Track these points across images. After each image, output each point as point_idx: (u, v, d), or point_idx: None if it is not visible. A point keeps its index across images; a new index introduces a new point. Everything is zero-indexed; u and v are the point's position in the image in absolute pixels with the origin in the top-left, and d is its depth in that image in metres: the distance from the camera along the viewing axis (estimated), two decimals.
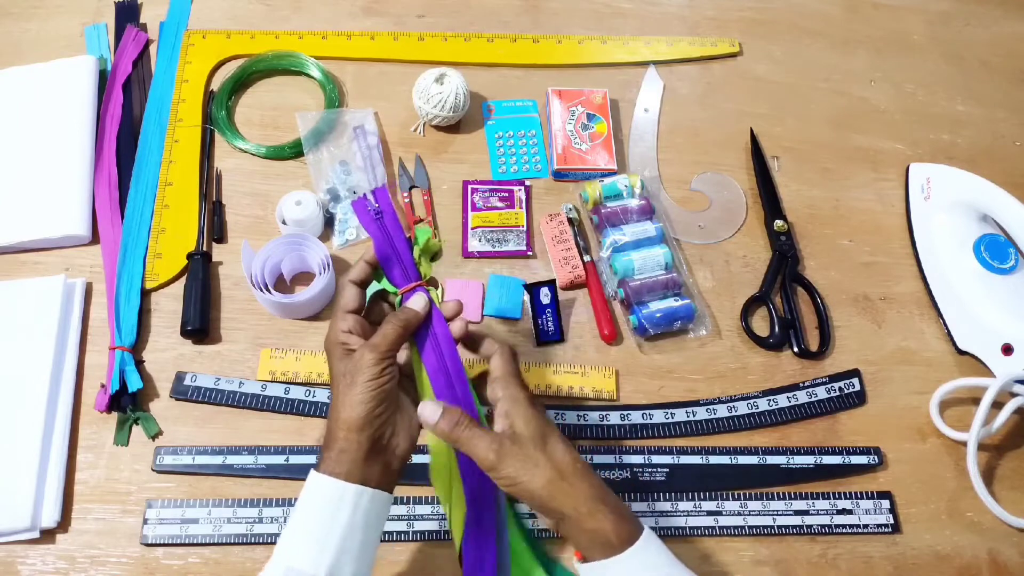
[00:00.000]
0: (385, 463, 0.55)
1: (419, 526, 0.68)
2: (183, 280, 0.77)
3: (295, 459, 0.70)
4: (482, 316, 0.78)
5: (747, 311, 0.80)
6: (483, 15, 0.97)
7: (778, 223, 0.85)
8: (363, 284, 0.61)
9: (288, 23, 0.94)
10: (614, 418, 0.74)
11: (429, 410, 0.56)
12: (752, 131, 0.91)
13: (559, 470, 0.54)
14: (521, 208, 0.84)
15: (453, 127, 0.88)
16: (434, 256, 0.61)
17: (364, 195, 0.63)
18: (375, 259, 0.62)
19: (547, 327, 0.78)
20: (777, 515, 0.71)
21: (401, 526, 0.68)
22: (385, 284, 0.62)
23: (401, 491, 0.69)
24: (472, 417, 0.56)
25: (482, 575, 0.57)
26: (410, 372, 0.61)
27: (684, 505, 0.71)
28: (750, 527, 0.70)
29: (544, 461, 0.54)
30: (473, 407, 0.59)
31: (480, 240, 0.82)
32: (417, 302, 0.59)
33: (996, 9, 1.06)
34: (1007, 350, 0.78)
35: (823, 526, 0.71)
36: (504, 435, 0.55)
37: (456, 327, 0.61)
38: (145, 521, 0.66)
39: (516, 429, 0.55)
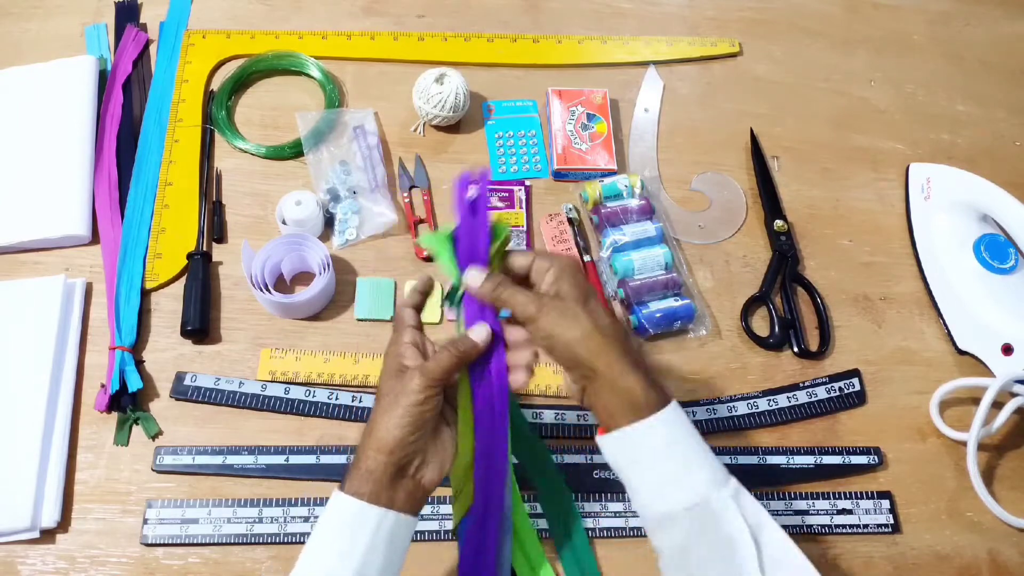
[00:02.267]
0: (411, 488, 0.54)
1: (420, 526, 0.68)
2: (183, 280, 0.77)
3: (295, 459, 0.70)
4: None
5: (747, 311, 0.80)
6: (483, 15, 0.97)
7: (778, 223, 0.85)
8: (418, 308, 0.60)
9: (288, 23, 0.94)
10: None
11: (473, 275, 0.57)
12: (752, 131, 0.91)
13: (598, 326, 0.54)
14: (521, 208, 0.84)
15: (453, 127, 0.88)
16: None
17: (467, 174, 0.61)
18: (428, 284, 0.61)
19: None
20: (777, 515, 0.71)
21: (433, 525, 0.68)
22: (451, 269, 0.59)
23: None
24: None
25: (482, 558, 0.56)
26: (455, 398, 0.58)
27: None
28: None
29: (584, 316, 0.54)
30: (506, 454, 0.57)
31: None
32: (479, 333, 0.56)
33: (996, 9, 1.06)
34: (1007, 350, 0.78)
35: (823, 526, 0.71)
36: (547, 294, 0.56)
37: (518, 380, 0.58)
38: (145, 521, 0.66)
39: (560, 290, 0.56)
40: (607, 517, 0.70)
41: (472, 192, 0.60)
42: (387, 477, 0.53)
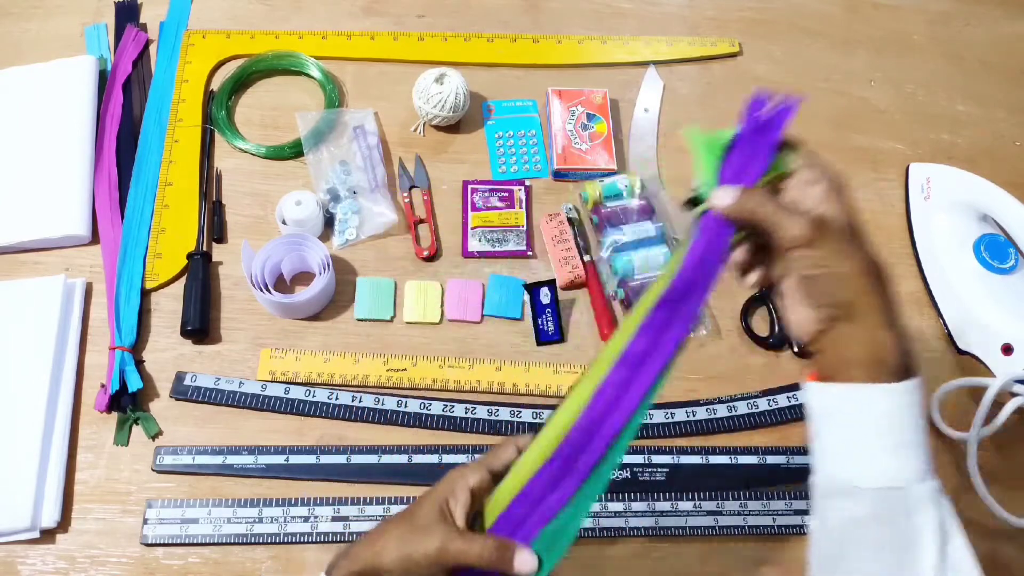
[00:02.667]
0: None
1: None
2: (183, 280, 0.77)
3: (295, 459, 0.70)
4: (482, 316, 0.78)
5: (747, 311, 0.80)
6: (483, 15, 0.97)
7: None
8: (521, 451, 0.54)
9: (288, 23, 0.94)
10: None
11: (725, 192, 0.49)
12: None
13: (872, 265, 0.48)
14: (521, 208, 0.84)
15: (453, 127, 0.88)
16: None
17: (764, 95, 0.54)
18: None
19: (547, 327, 0.78)
20: (777, 515, 0.71)
21: None
22: (708, 177, 0.52)
23: (406, 492, 0.70)
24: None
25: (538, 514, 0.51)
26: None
27: (684, 505, 0.71)
28: (750, 527, 0.70)
29: (859, 250, 0.48)
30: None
31: (480, 240, 0.82)
32: (526, 562, 0.49)
33: (996, 9, 1.06)
34: (1007, 350, 0.78)
35: None
36: (817, 216, 0.48)
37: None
38: (145, 521, 0.66)
39: (830, 212, 0.48)
40: (607, 517, 0.70)
41: (770, 107, 0.53)
42: None
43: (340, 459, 0.70)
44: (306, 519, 0.67)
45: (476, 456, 0.71)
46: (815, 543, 0.49)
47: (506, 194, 0.84)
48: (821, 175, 0.50)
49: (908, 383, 0.46)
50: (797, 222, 0.48)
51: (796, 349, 0.79)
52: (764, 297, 0.81)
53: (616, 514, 0.70)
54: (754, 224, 0.49)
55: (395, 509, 0.68)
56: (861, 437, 0.47)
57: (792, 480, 0.73)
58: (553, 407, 0.74)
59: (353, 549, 0.52)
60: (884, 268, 0.49)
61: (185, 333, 0.74)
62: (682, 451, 0.73)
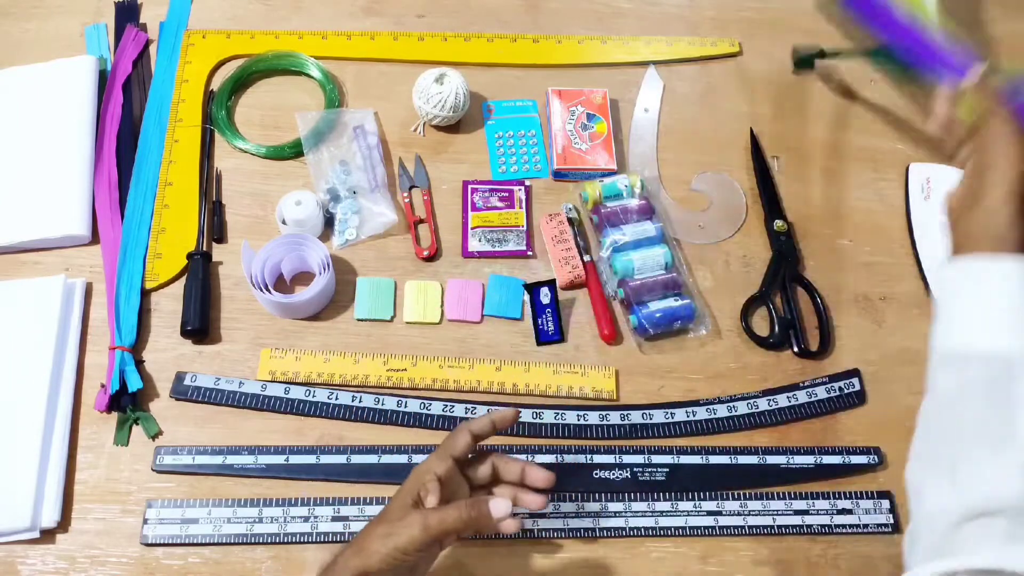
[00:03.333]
0: None
1: None
2: (183, 280, 0.77)
3: (295, 459, 0.70)
4: (482, 316, 0.78)
5: (747, 311, 0.80)
6: (483, 15, 0.97)
7: (778, 223, 0.85)
8: (478, 438, 0.60)
9: (288, 23, 0.94)
10: (614, 418, 0.74)
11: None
12: (752, 131, 0.91)
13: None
14: (521, 208, 0.84)
15: (453, 127, 0.88)
16: None
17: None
18: (496, 422, 0.60)
19: (547, 327, 0.78)
20: (777, 515, 0.71)
21: None
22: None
23: None
24: None
25: None
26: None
27: (684, 505, 0.71)
28: (750, 527, 0.70)
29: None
30: None
31: (480, 240, 0.82)
32: (500, 508, 0.55)
33: (996, 9, 1.06)
34: None
35: (823, 526, 0.71)
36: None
37: (536, 502, 0.60)
38: (145, 521, 0.66)
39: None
40: (607, 517, 0.70)
41: None
42: None
43: (340, 459, 0.70)
44: (306, 519, 0.67)
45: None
46: (923, 415, 0.52)
47: (506, 194, 0.84)
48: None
49: (1020, 259, 0.50)
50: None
51: (796, 349, 0.79)
52: (764, 297, 0.81)
53: (616, 514, 0.70)
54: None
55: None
56: (975, 307, 0.50)
57: (792, 480, 0.73)
58: (552, 407, 0.74)
59: (339, 560, 0.54)
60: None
61: (185, 333, 0.74)
62: (682, 451, 0.73)
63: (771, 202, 0.87)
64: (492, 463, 0.61)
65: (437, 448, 0.60)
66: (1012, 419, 0.47)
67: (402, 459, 0.70)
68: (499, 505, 0.56)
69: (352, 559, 0.54)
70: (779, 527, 0.70)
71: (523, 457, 0.70)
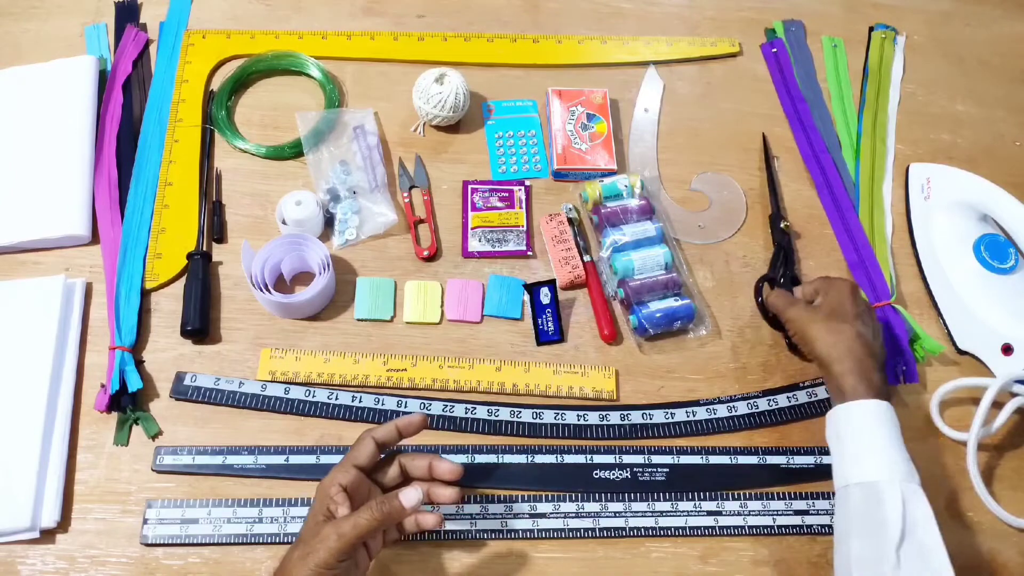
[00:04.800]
0: None
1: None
2: (183, 280, 0.77)
3: (295, 459, 0.70)
4: (482, 316, 0.78)
5: (760, 290, 0.80)
6: (483, 15, 0.97)
7: (784, 223, 0.84)
8: (383, 445, 0.60)
9: (288, 23, 0.94)
10: (614, 418, 0.74)
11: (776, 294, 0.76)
12: (764, 137, 0.91)
13: (854, 336, 0.67)
14: (521, 208, 0.84)
15: (453, 127, 0.88)
16: None
17: None
18: (401, 428, 0.61)
19: (547, 327, 0.78)
20: (777, 515, 0.71)
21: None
22: None
23: None
24: None
25: None
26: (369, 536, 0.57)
27: (684, 505, 0.71)
28: (750, 527, 0.70)
29: (823, 331, 0.68)
30: None
31: (480, 240, 0.82)
32: (410, 497, 0.57)
33: (996, 9, 1.06)
34: (1007, 350, 0.78)
35: (823, 526, 0.71)
36: (803, 302, 0.73)
37: (448, 494, 0.61)
38: (145, 521, 0.66)
39: (820, 301, 0.72)
40: (607, 517, 0.70)
41: None
42: None
43: (340, 459, 0.70)
44: (305, 519, 0.67)
45: (477, 457, 0.71)
46: (835, 525, 0.64)
47: (506, 194, 0.84)
48: (821, 285, 0.74)
49: (867, 403, 0.64)
50: (783, 299, 0.74)
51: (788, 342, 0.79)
52: (774, 280, 0.81)
53: (616, 514, 0.70)
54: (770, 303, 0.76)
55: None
56: (843, 446, 0.64)
57: (792, 480, 0.73)
58: (552, 407, 0.74)
59: None
60: (856, 341, 0.67)
61: (185, 333, 0.74)
62: (682, 451, 0.73)
63: (777, 204, 0.86)
64: (399, 463, 0.61)
65: (342, 459, 0.60)
66: (884, 538, 0.59)
67: None
68: (408, 495, 0.57)
69: None
70: (779, 527, 0.70)
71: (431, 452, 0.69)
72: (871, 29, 1.01)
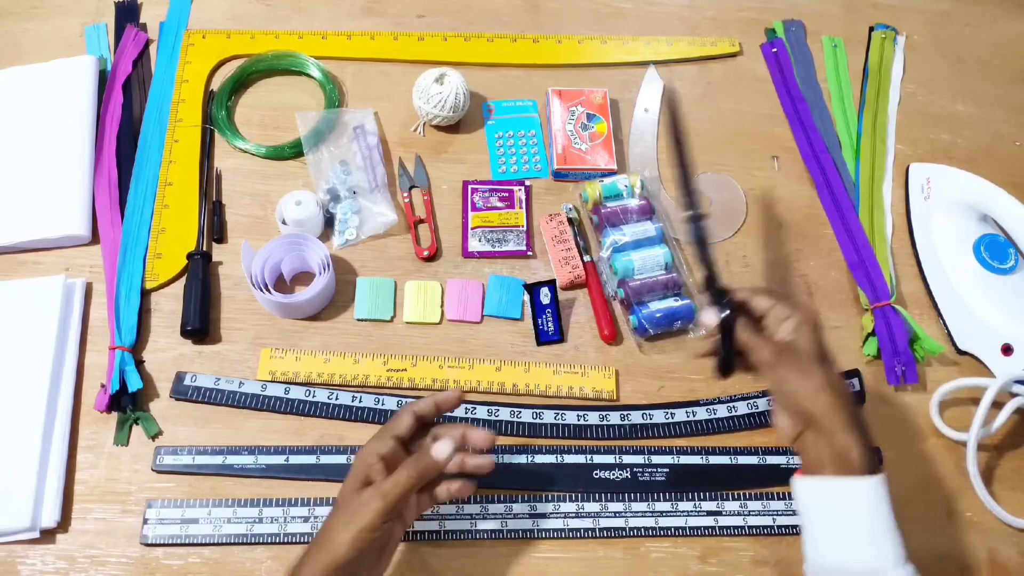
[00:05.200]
0: None
1: (419, 525, 0.68)
2: (183, 280, 0.77)
3: (295, 459, 0.70)
4: (482, 316, 0.78)
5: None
6: (483, 15, 0.97)
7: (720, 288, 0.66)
8: (421, 420, 0.61)
9: (288, 23, 0.94)
10: (614, 418, 0.74)
11: (709, 315, 0.63)
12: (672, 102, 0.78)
13: (829, 384, 0.58)
14: (521, 208, 0.84)
15: (453, 127, 0.88)
16: None
17: None
18: (439, 404, 0.62)
19: (547, 327, 0.78)
20: (777, 515, 0.71)
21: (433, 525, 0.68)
22: None
23: None
24: None
25: None
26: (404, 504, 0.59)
27: (684, 505, 0.71)
28: (750, 527, 0.70)
29: (817, 372, 0.58)
30: None
31: (480, 240, 0.82)
32: (441, 450, 0.58)
33: (996, 9, 1.06)
34: (1007, 350, 0.78)
35: None
36: (783, 342, 0.60)
37: (481, 463, 0.61)
38: (145, 521, 0.66)
39: (797, 342, 0.60)
40: (607, 517, 0.70)
41: None
42: None
43: (340, 459, 0.70)
44: (306, 519, 0.67)
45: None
46: None
47: (506, 194, 0.84)
48: (791, 312, 0.61)
49: (874, 479, 0.55)
50: (762, 346, 0.60)
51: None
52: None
53: (616, 514, 0.70)
54: (742, 345, 0.62)
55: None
56: (840, 526, 0.56)
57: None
58: (552, 407, 0.74)
59: (305, 561, 0.55)
60: (844, 385, 0.59)
61: (185, 333, 0.74)
62: (682, 451, 0.73)
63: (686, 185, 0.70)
64: (433, 435, 0.62)
65: (380, 429, 0.61)
66: None
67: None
68: (439, 448, 0.58)
69: (319, 556, 0.54)
70: (779, 527, 0.70)
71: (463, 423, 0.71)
72: (871, 29, 1.01)
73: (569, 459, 0.72)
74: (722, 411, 0.75)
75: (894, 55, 0.99)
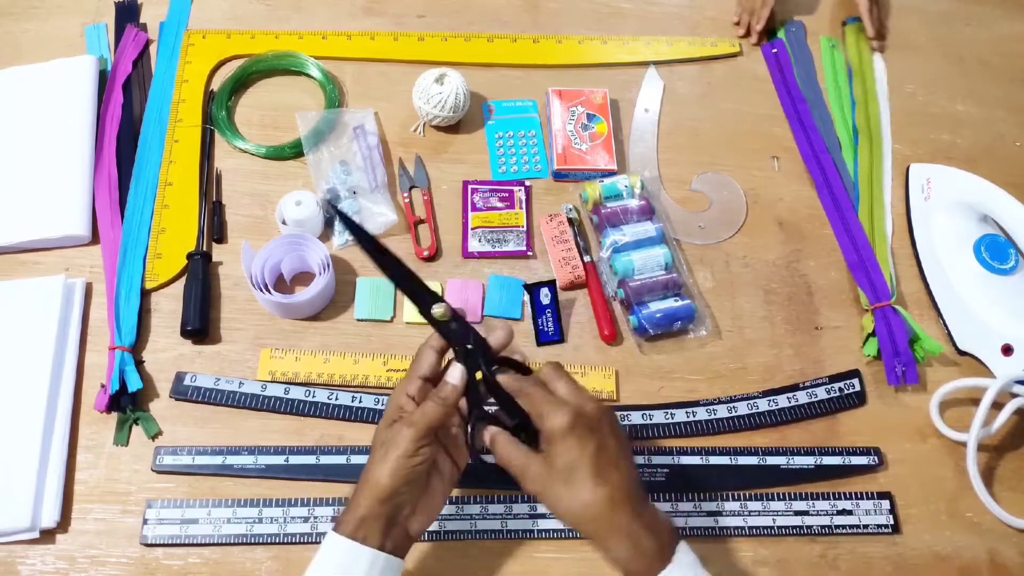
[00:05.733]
0: (400, 535, 0.57)
1: None
2: (183, 280, 0.77)
3: (295, 459, 0.70)
4: (482, 316, 0.78)
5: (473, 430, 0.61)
6: (483, 15, 0.97)
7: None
8: (442, 351, 0.61)
9: (288, 23, 0.94)
10: None
11: (456, 375, 0.59)
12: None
13: (595, 499, 0.54)
14: (521, 208, 0.84)
15: (453, 127, 0.88)
16: None
17: None
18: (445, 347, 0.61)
19: (547, 327, 0.78)
20: (777, 515, 0.71)
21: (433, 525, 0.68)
22: None
23: None
24: None
25: None
26: (450, 447, 0.60)
27: (684, 505, 0.71)
28: (750, 527, 0.70)
29: (580, 488, 0.54)
30: None
31: (480, 240, 0.82)
32: (454, 375, 0.59)
33: (996, 9, 1.06)
34: (1007, 350, 0.78)
35: (823, 526, 0.71)
36: (540, 458, 0.56)
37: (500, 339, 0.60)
38: (145, 521, 0.66)
39: (560, 452, 0.55)
40: None
41: None
42: (379, 523, 0.55)
43: (340, 459, 0.70)
44: (306, 519, 0.67)
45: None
46: None
47: (506, 194, 0.84)
48: (559, 413, 0.55)
49: (673, 567, 0.53)
50: (520, 460, 0.56)
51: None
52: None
53: None
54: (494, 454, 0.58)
55: None
56: None
57: (792, 480, 0.73)
58: None
59: (351, 502, 0.56)
60: (619, 485, 0.54)
61: (185, 333, 0.74)
62: (682, 451, 0.73)
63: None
64: (432, 349, 0.62)
65: (407, 370, 0.61)
66: None
67: None
68: (452, 373, 0.59)
69: (363, 493, 0.56)
70: (779, 528, 0.70)
71: None
72: (843, 24, 1.01)
73: None
74: (722, 411, 0.75)
75: (871, 47, 0.99)
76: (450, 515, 0.68)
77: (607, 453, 0.55)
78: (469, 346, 0.59)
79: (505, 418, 0.59)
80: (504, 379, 0.58)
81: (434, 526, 0.67)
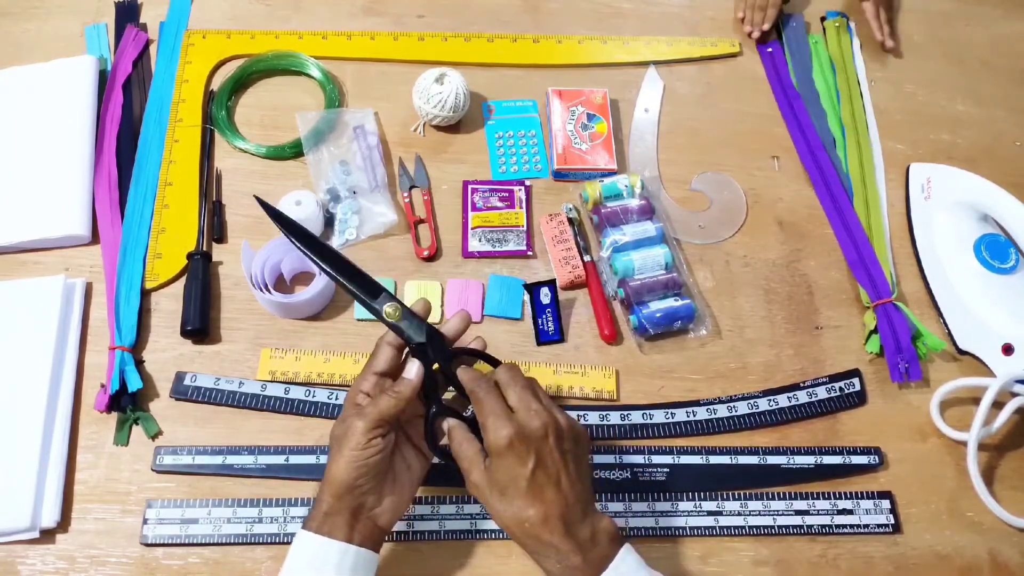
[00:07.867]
0: (368, 527, 0.57)
1: (420, 526, 0.68)
2: (183, 280, 0.77)
3: (295, 459, 0.70)
4: (482, 316, 0.78)
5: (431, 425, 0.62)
6: (483, 15, 0.97)
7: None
8: (400, 347, 0.61)
9: (288, 23, 0.94)
10: (614, 418, 0.74)
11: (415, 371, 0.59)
12: None
13: (526, 515, 0.54)
14: (521, 208, 0.84)
15: (453, 127, 0.88)
16: None
17: None
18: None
19: (547, 327, 0.78)
20: (777, 515, 0.71)
21: (433, 525, 0.68)
22: None
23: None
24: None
25: None
26: (415, 437, 0.61)
27: (684, 505, 0.71)
28: (750, 527, 0.70)
29: (500, 507, 0.55)
30: None
31: (480, 240, 0.82)
32: (411, 370, 0.59)
33: (996, 9, 1.06)
34: (1007, 350, 0.78)
35: (823, 526, 0.71)
36: (483, 465, 0.56)
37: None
38: (145, 521, 0.66)
39: (490, 468, 0.56)
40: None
41: None
42: (342, 517, 0.56)
43: None
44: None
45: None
46: None
47: (506, 194, 0.84)
48: (503, 427, 0.55)
49: (618, 561, 0.54)
50: (470, 458, 0.57)
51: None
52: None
53: (616, 514, 0.70)
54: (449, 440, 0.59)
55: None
56: None
57: (792, 480, 0.73)
58: None
59: (316, 499, 0.57)
60: (524, 520, 0.54)
61: (185, 333, 0.74)
62: (682, 451, 0.73)
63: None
64: (388, 344, 0.62)
65: (363, 368, 0.62)
66: None
67: None
68: (409, 368, 0.59)
69: (324, 490, 0.56)
70: (779, 527, 0.70)
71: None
72: (823, 19, 1.01)
73: None
74: (722, 411, 0.75)
75: (851, 42, 0.99)
76: (450, 515, 0.68)
77: (545, 471, 0.55)
78: (422, 340, 0.59)
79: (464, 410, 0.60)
80: (461, 374, 0.58)
81: (434, 526, 0.68)
